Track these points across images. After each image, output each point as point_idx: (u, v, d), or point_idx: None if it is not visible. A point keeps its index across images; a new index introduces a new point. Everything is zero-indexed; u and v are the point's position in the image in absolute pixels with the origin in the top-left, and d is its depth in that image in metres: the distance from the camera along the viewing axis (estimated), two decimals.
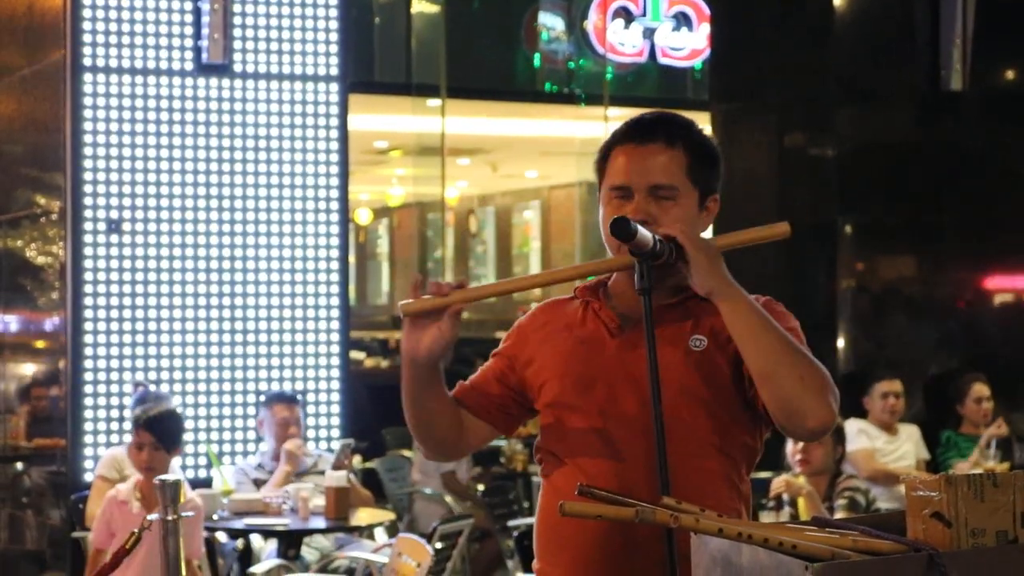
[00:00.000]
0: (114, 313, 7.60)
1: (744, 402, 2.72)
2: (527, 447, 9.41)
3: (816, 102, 8.93)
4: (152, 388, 7.37)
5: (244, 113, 7.89)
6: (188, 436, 7.67)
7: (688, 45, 13.32)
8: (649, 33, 13.20)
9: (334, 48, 8.08)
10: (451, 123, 13.33)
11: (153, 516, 3.17)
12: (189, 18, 7.75)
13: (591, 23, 13.20)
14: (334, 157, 8.06)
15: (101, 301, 7.57)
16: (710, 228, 2.87)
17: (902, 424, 8.18)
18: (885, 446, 8.01)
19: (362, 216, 20.53)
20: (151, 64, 7.70)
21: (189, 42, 7.75)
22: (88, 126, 7.58)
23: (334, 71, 8.09)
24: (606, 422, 2.74)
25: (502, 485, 8.46)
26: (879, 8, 8.95)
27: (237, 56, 7.87)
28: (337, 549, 7.22)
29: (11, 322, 8.63)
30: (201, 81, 7.80)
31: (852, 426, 8.02)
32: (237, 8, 7.86)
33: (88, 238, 7.56)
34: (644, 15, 13.17)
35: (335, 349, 8.09)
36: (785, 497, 5.83)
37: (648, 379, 2.56)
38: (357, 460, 8.78)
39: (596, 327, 2.80)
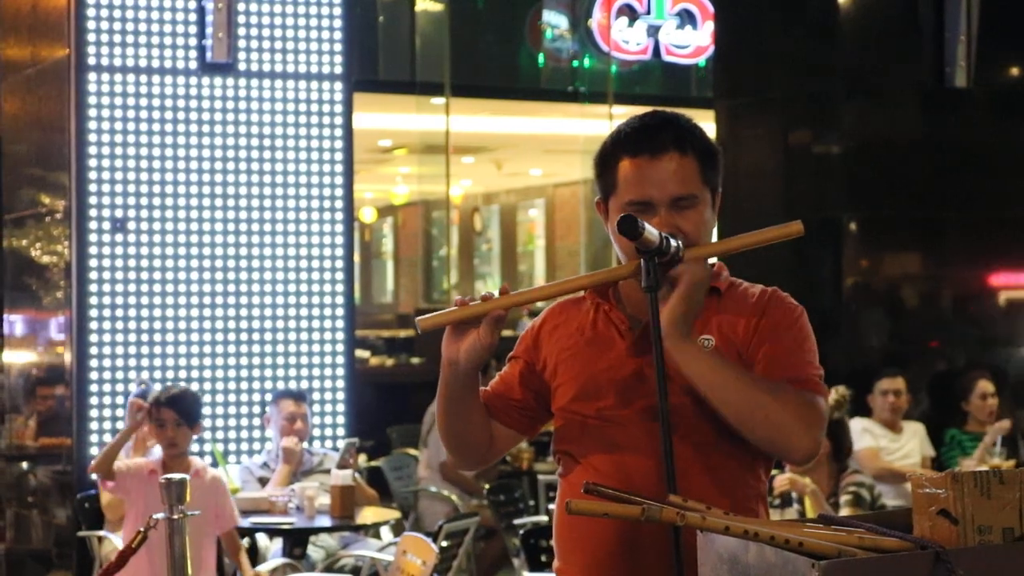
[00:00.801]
0: (119, 312, 7.60)
1: None
2: (532, 445, 9.41)
3: (821, 99, 8.93)
4: (156, 386, 7.36)
5: (248, 112, 7.89)
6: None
7: (692, 42, 13.32)
8: (653, 31, 13.20)
9: (338, 47, 8.08)
10: (455, 121, 13.34)
11: (159, 515, 3.17)
12: (193, 17, 7.75)
13: (595, 21, 13.20)
14: (338, 155, 8.06)
15: (106, 300, 7.57)
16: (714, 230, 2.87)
17: (906, 421, 8.17)
18: (890, 444, 8.00)
19: (366, 215, 20.54)
20: (155, 63, 7.70)
21: (193, 41, 7.76)
22: (93, 125, 7.58)
23: (338, 70, 8.09)
24: (618, 423, 2.75)
25: (508, 483, 8.44)
26: (884, 5, 8.94)
27: (241, 55, 7.87)
28: (343, 548, 7.22)
29: (16, 321, 8.63)
30: (205, 80, 7.80)
31: (856, 425, 8.00)
32: (241, 7, 7.86)
33: (93, 237, 7.56)
34: (648, 13, 13.17)
35: (340, 348, 8.09)
36: (794, 495, 5.84)
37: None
38: (362, 459, 8.77)
39: (607, 329, 2.81)
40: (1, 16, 8.86)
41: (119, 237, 7.61)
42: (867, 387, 8.17)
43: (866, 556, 2.16)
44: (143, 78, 7.68)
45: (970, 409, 8.28)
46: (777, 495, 5.81)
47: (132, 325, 7.62)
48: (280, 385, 7.83)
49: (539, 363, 2.87)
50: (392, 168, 18.48)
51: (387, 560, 6.51)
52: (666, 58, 13.36)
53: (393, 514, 7.36)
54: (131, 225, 7.63)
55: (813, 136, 9.06)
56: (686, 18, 13.27)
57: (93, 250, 7.56)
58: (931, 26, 8.79)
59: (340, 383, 8.10)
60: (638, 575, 2.72)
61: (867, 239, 8.80)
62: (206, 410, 7.74)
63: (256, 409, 7.85)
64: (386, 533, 7.60)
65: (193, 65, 7.77)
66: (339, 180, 8.06)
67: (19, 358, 8.58)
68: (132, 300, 7.62)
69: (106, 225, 7.59)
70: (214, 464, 7.59)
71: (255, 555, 7.01)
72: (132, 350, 7.62)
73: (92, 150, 7.57)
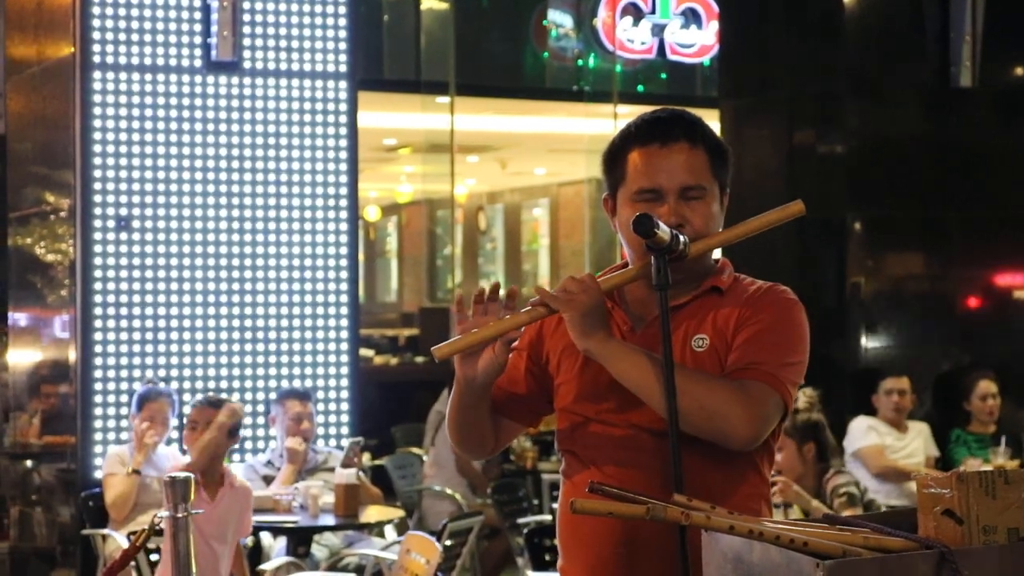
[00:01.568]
0: (124, 310, 7.60)
1: None
2: (536, 444, 9.41)
3: (825, 99, 8.92)
4: (162, 385, 7.37)
5: (253, 110, 7.89)
6: None
7: (697, 42, 13.32)
8: (658, 30, 13.20)
9: (343, 45, 8.09)
10: (460, 120, 13.34)
11: (164, 513, 3.17)
12: (198, 15, 7.75)
13: (600, 20, 13.20)
14: (343, 154, 8.06)
15: (111, 298, 7.58)
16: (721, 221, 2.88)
17: (912, 421, 8.17)
18: (894, 443, 8.00)
19: (371, 213, 20.55)
20: (160, 61, 7.71)
21: (198, 39, 7.76)
22: (97, 123, 7.58)
23: (343, 68, 8.09)
24: (621, 423, 2.76)
25: (512, 482, 8.44)
26: (889, 5, 8.93)
27: (246, 53, 7.88)
28: (347, 546, 7.22)
29: (21, 319, 8.63)
30: (210, 78, 7.81)
31: (861, 423, 8.02)
32: (246, 5, 7.86)
33: (97, 235, 7.57)
34: (653, 12, 13.17)
35: (344, 347, 8.09)
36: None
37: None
38: (366, 457, 8.78)
39: (610, 328, 2.81)
40: (6, 14, 8.87)
41: (123, 235, 7.61)
42: (871, 387, 8.17)
43: (871, 556, 2.16)
44: (148, 76, 7.68)
45: (972, 410, 8.27)
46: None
47: (136, 323, 7.62)
48: (284, 383, 7.83)
49: (542, 357, 2.89)
50: (396, 167, 18.49)
51: (391, 559, 6.52)
52: (671, 57, 13.36)
53: (397, 513, 7.36)
54: (136, 223, 7.64)
55: (817, 136, 9.05)
56: (691, 17, 13.27)
57: (98, 248, 7.56)
58: (936, 26, 8.78)
59: (344, 382, 8.10)
60: (641, 574, 2.72)
61: (871, 239, 8.79)
62: None
63: (260, 408, 7.85)
64: (390, 532, 7.60)
65: (198, 63, 7.77)
66: (343, 179, 8.06)
67: (23, 356, 8.58)
68: (136, 299, 7.62)
69: (111, 223, 7.59)
70: None
71: (259, 554, 7.01)
72: (136, 348, 7.62)
73: (97, 148, 7.58)
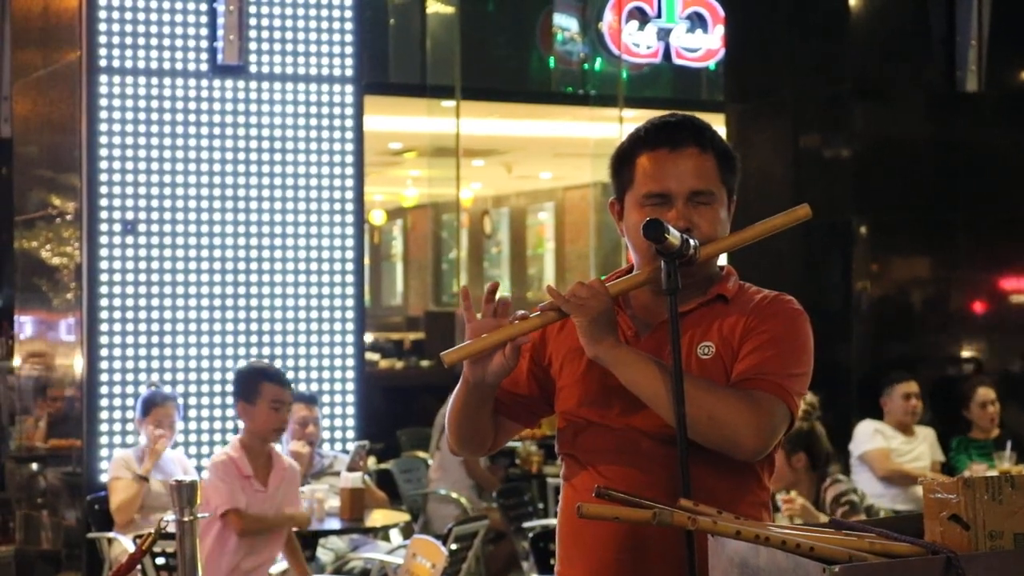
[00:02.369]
0: (129, 314, 7.61)
1: None
2: (542, 448, 9.41)
3: (831, 102, 8.92)
4: (167, 388, 7.37)
5: (259, 114, 7.90)
6: (204, 437, 7.70)
7: (703, 46, 13.33)
8: (664, 34, 13.21)
9: (349, 49, 8.09)
10: (466, 124, 13.35)
11: (170, 516, 3.17)
12: (204, 19, 7.76)
13: (606, 24, 13.21)
14: (349, 158, 8.07)
15: (116, 302, 7.58)
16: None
17: (919, 426, 8.16)
18: (901, 446, 7.99)
19: (376, 217, 20.54)
20: (167, 65, 7.71)
21: (204, 43, 7.77)
22: (104, 127, 7.59)
23: (349, 72, 8.09)
24: (624, 428, 2.76)
25: (517, 486, 8.45)
26: (894, 8, 8.93)
27: (252, 57, 7.88)
28: (352, 550, 7.22)
29: (27, 323, 8.64)
30: (216, 82, 7.81)
31: (867, 426, 8.01)
32: (252, 9, 7.87)
33: (104, 239, 7.57)
34: (659, 16, 13.18)
35: (350, 350, 8.09)
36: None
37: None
38: (372, 461, 8.78)
39: (618, 334, 2.81)
40: (13, 19, 8.88)
41: (129, 239, 7.62)
42: (877, 391, 8.16)
43: (877, 561, 2.16)
44: (154, 80, 7.69)
45: (972, 417, 8.27)
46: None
47: (142, 327, 7.63)
48: None
49: (545, 358, 2.89)
50: (402, 171, 18.49)
51: (396, 563, 6.52)
52: (676, 61, 13.37)
53: (402, 517, 7.36)
54: (141, 227, 7.64)
55: (823, 140, 9.05)
56: (697, 21, 13.28)
57: (104, 252, 7.57)
58: (942, 30, 8.78)
59: (350, 386, 8.10)
60: None
61: (877, 242, 8.78)
62: (216, 412, 7.75)
63: None
64: (395, 536, 7.60)
65: (204, 67, 7.78)
66: (349, 182, 8.07)
67: (29, 360, 8.59)
68: (142, 302, 7.63)
69: (116, 227, 7.60)
70: None
71: None
72: (142, 352, 7.62)
73: (103, 152, 7.58)
